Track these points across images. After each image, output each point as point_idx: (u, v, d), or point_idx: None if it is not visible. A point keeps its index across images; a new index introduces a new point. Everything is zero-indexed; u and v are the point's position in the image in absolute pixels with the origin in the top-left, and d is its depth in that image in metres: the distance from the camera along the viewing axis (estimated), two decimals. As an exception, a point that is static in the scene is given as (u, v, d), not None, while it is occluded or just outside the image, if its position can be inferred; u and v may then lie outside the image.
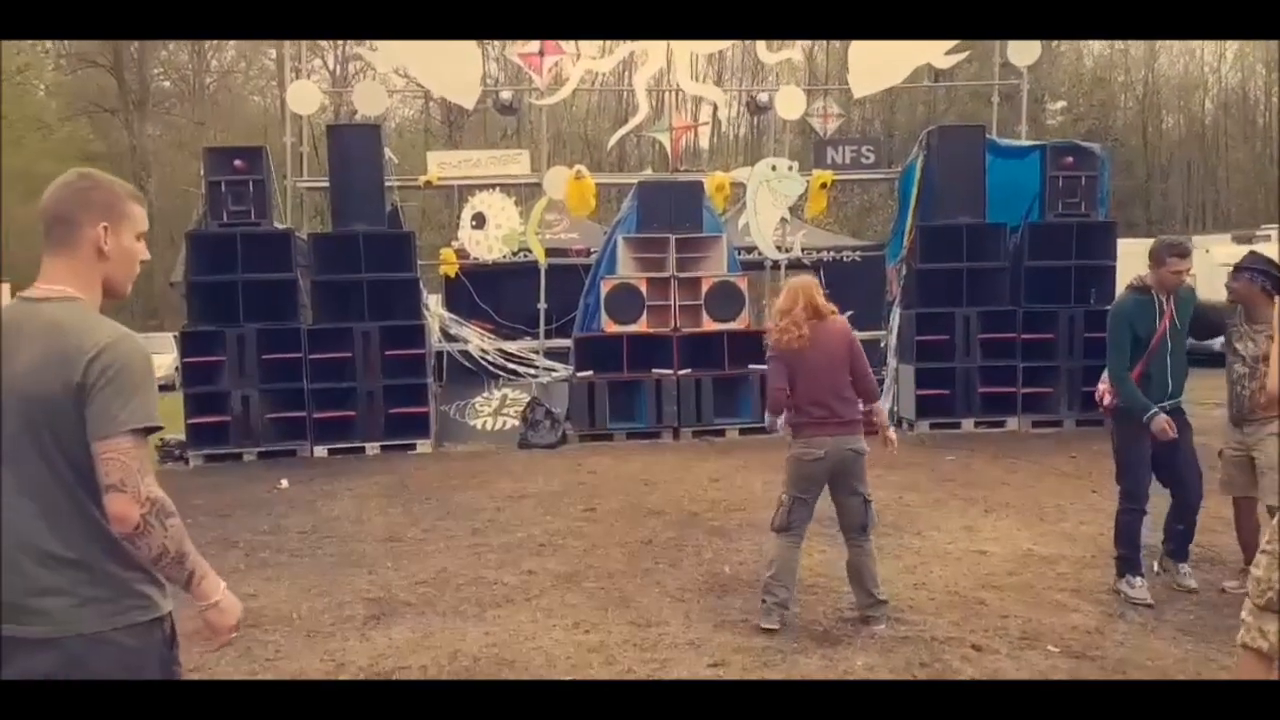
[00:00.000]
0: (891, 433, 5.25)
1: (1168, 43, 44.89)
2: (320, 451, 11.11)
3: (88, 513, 2.12)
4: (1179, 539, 5.54)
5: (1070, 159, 12.24)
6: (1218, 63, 45.06)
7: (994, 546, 6.48)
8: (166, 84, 38.25)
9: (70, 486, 2.11)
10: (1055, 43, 39.26)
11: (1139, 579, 5.30)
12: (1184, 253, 5.27)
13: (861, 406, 5.09)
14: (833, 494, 5.03)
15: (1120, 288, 11.73)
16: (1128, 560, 5.37)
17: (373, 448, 11.24)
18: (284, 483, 9.40)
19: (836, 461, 4.91)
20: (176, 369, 17.55)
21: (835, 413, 4.90)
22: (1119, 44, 44.74)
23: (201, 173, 11.71)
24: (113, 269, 2.27)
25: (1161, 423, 5.17)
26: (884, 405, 11.58)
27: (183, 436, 11.03)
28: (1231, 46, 44.57)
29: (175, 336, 10.87)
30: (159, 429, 2.18)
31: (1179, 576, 5.49)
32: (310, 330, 11.23)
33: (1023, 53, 14.00)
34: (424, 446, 11.36)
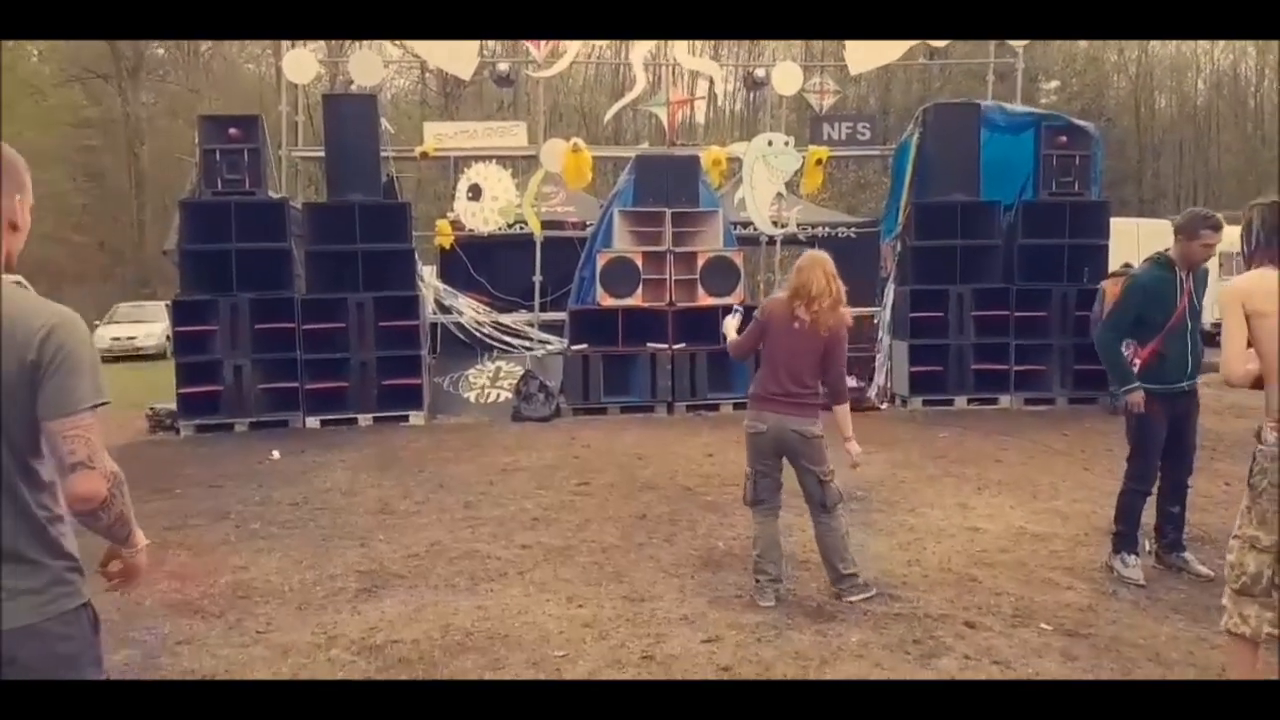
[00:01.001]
0: (853, 446, 4.98)
1: (1163, 23, 44.80)
2: (312, 423, 11.09)
3: (19, 499, 2.07)
4: (1175, 524, 5.47)
5: (1064, 138, 12.25)
6: (1210, 44, 44.97)
7: (987, 524, 6.50)
8: (161, 51, 37.84)
9: (6, 472, 2.06)
10: (1053, 20, 39.05)
11: (1133, 557, 5.32)
12: (1218, 225, 5.03)
13: (834, 405, 5.03)
14: (794, 470, 5.03)
15: (1113, 267, 11.81)
16: (1125, 537, 5.36)
17: (365, 419, 11.22)
18: (275, 454, 9.37)
19: (778, 439, 4.90)
20: (168, 338, 17.41)
21: (787, 392, 4.87)
22: (1115, 23, 44.56)
23: (196, 141, 11.61)
24: (17, 241, 2.18)
25: (1139, 398, 5.14)
26: (874, 386, 11.45)
27: (173, 406, 10.99)
28: (1227, 27, 44.44)
29: (168, 305, 10.77)
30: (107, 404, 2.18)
31: (1190, 566, 5.36)
32: (304, 300, 11.18)
33: (1021, 30, 13.90)
34: (417, 418, 11.34)
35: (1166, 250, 5.24)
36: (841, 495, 5.09)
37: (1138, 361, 5.23)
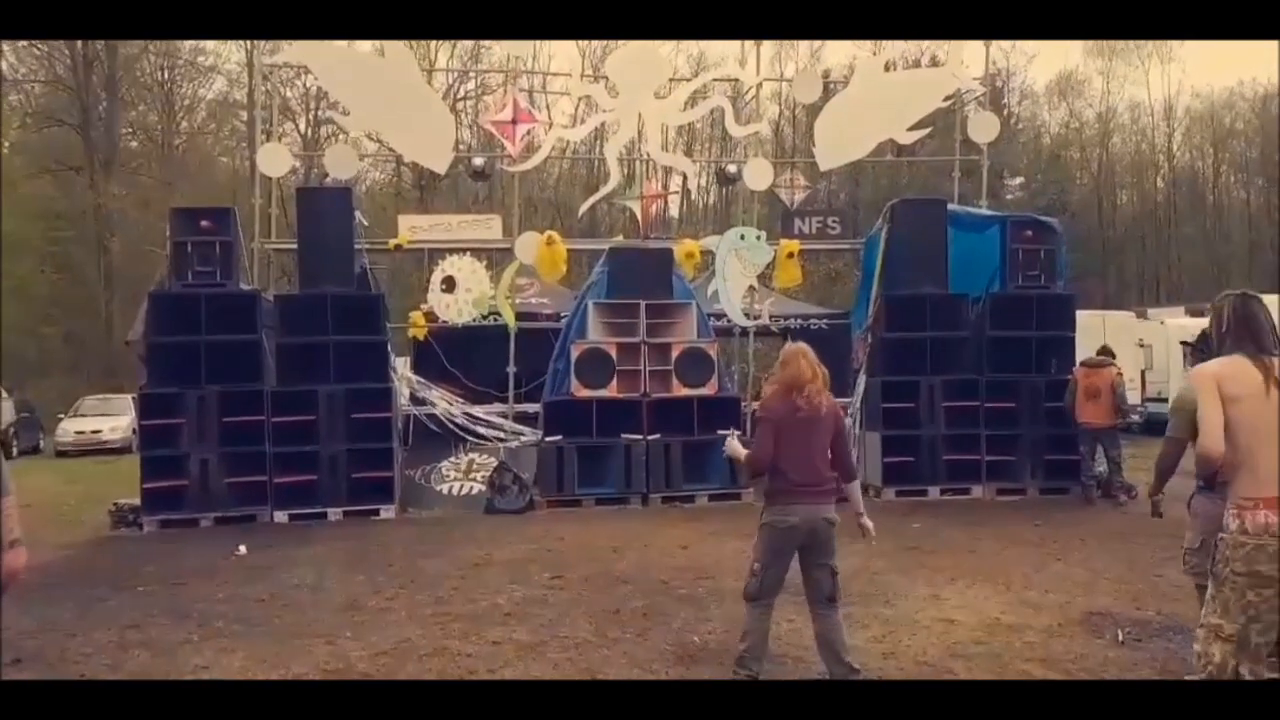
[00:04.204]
0: (867, 520, 5.09)
1: (1121, 123, 46.58)
2: (281, 517, 10.89)
3: None
4: None
5: (1030, 232, 12.57)
6: (1168, 143, 46.66)
7: (961, 615, 6.45)
8: (134, 144, 38.16)
9: None
10: (1013, 120, 40.51)
11: None
12: None
13: (846, 484, 5.08)
14: (801, 564, 4.98)
15: (1080, 358, 11.96)
16: None
17: (335, 513, 11.04)
18: (242, 549, 9.18)
19: (810, 530, 4.87)
20: (134, 431, 17.12)
21: (813, 481, 4.88)
22: (1074, 123, 46.31)
23: (168, 233, 11.63)
24: None
25: None
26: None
27: (138, 501, 10.78)
28: (1180, 128, 46.33)
29: (134, 398, 10.68)
30: None
31: None
32: (274, 392, 11.07)
33: (982, 129, 14.38)
34: (388, 512, 11.18)
35: None
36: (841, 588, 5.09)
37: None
